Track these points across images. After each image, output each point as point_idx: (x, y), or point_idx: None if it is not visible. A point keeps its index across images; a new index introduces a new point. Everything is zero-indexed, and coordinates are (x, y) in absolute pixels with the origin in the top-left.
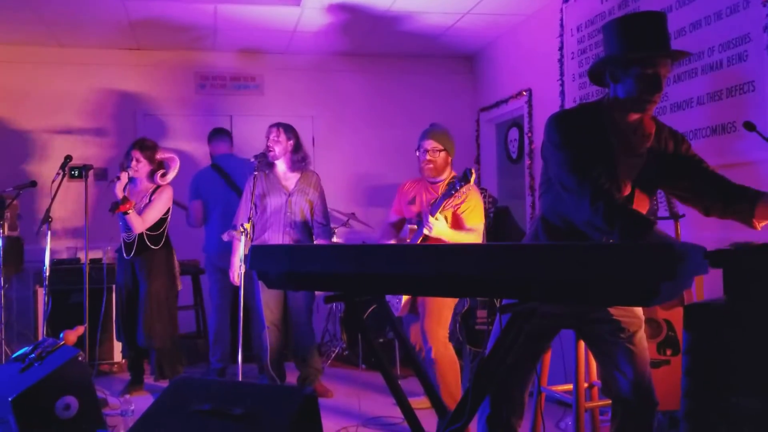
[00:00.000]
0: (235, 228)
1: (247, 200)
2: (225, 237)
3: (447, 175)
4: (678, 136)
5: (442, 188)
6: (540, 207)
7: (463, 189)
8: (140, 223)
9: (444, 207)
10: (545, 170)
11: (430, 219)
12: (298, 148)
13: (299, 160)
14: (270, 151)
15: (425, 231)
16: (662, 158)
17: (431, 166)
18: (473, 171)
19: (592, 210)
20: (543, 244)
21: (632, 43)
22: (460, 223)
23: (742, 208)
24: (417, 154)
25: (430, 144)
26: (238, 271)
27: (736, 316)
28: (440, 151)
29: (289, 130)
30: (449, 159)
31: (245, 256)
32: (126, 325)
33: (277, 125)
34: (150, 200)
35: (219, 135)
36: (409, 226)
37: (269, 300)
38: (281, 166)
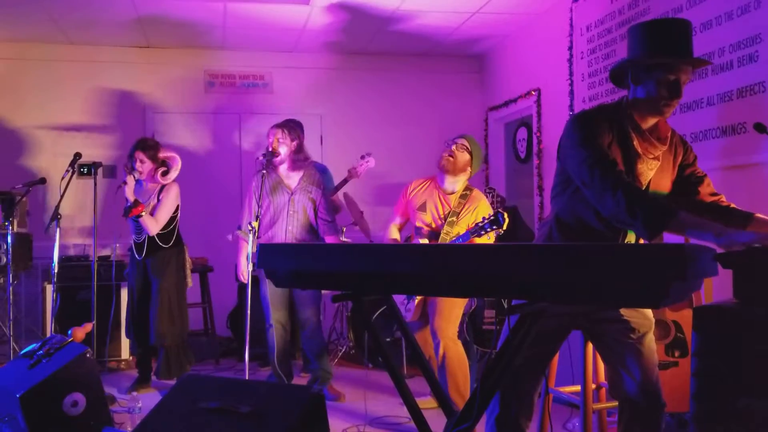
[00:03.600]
0: (239, 228)
1: (253, 199)
2: (230, 237)
3: (460, 186)
4: (687, 146)
5: (454, 201)
6: (552, 208)
7: (492, 232)
8: (154, 225)
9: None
10: (560, 172)
11: None
12: (300, 148)
13: (301, 160)
14: (276, 155)
15: None
16: (672, 163)
17: (451, 158)
18: (506, 217)
19: (614, 202)
20: (553, 244)
21: (656, 48)
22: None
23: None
24: (444, 147)
25: (460, 140)
26: (245, 269)
27: (746, 318)
28: (466, 150)
29: (294, 131)
30: (468, 168)
31: (253, 254)
32: (137, 325)
33: (282, 127)
34: (159, 200)
35: None
36: (420, 240)
37: (274, 298)
38: (283, 166)
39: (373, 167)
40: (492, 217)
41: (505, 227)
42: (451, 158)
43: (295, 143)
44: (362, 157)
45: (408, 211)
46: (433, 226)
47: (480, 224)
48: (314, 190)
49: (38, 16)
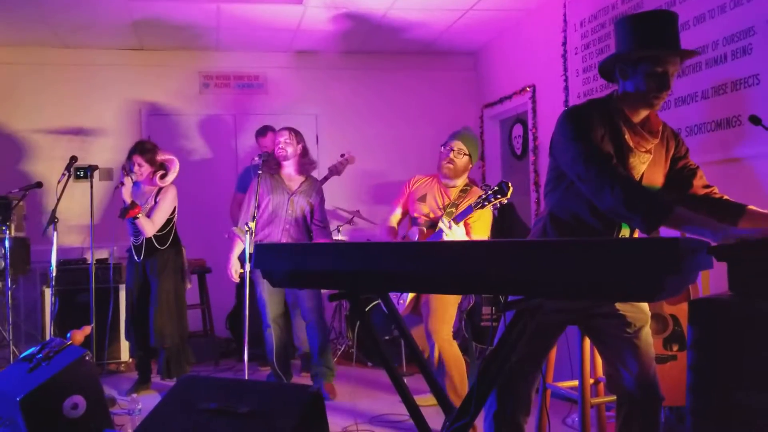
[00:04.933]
0: (236, 225)
1: (251, 200)
2: (226, 235)
3: (461, 182)
4: (679, 138)
5: (454, 194)
6: (546, 204)
7: (497, 202)
8: (150, 227)
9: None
10: (553, 168)
11: (453, 225)
12: (306, 152)
13: (308, 163)
14: (281, 151)
15: (444, 235)
16: (665, 156)
17: (451, 166)
18: (510, 185)
19: (613, 197)
20: (547, 240)
21: (642, 41)
22: (466, 231)
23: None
24: (441, 149)
25: (457, 145)
26: (235, 268)
27: (741, 311)
28: (465, 155)
29: (300, 135)
30: (469, 166)
31: (250, 255)
32: (136, 326)
33: (289, 129)
34: (156, 202)
35: (267, 132)
36: (419, 228)
37: (270, 299)
38: (289, 167)
39: (353, 164)
40: (496, 187)
41: (509, 195)
42: (451, 165)
43: (301, 146)
44: (342, 156)
45: (408, 203)
46: (431, 216)
47: (483, 196)
48: (314, 196)
49: (32, 19)
